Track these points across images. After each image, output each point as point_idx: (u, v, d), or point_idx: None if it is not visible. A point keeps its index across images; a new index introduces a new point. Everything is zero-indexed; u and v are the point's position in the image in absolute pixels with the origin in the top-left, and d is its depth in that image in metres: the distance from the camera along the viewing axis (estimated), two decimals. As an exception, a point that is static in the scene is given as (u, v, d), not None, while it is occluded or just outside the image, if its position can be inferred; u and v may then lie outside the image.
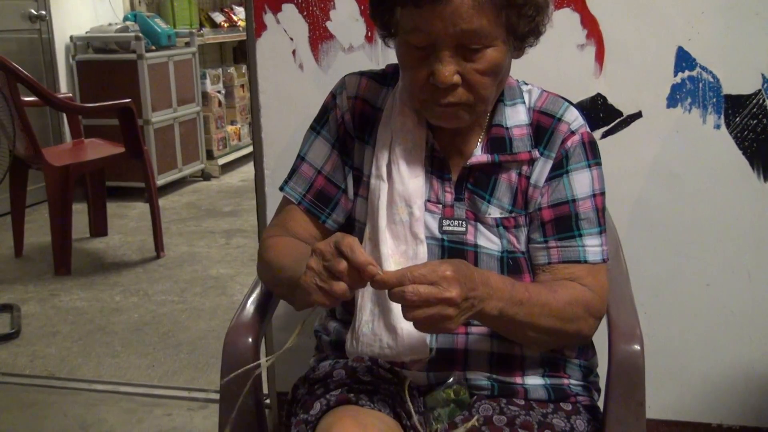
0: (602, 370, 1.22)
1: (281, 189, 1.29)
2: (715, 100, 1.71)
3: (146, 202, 3.97)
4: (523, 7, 1.06)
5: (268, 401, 2.03)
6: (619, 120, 1.76)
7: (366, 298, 1.18)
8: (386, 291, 1.14)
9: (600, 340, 1.25)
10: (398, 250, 1.16)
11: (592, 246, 1.17)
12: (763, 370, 1.83)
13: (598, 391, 1.27)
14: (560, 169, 1.17)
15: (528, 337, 1.11)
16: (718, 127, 1.73)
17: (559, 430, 1.12)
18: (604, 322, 1.23)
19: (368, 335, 1.16)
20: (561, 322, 1.11)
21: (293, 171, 1.28)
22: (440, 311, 0.97)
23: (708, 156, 1.74)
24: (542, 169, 1.18)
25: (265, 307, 1.31)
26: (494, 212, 1.18)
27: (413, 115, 1.19)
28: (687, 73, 1.71)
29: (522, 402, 1.16)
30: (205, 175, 5.35)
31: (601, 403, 1.22)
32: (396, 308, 1.15)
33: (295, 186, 1.27)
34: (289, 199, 1.28)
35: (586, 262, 1.16)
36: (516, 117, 1.19)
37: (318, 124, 1.28)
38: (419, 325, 0.99)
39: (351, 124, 1.24)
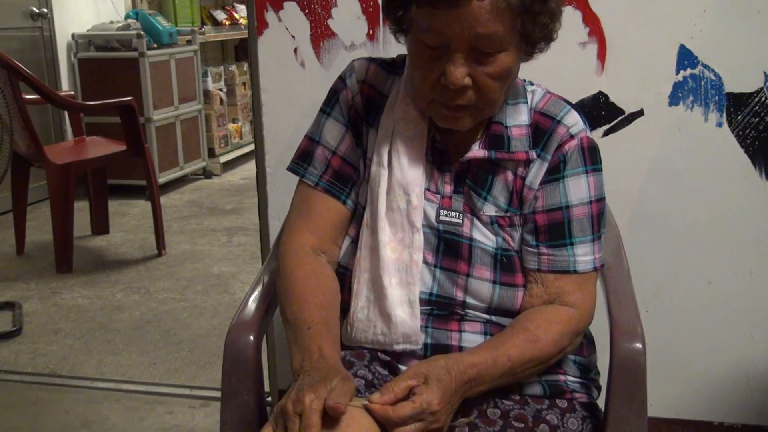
0: (603, 368, 1.22)
1: (302, 176, 1.25)
2: (717, 98, 1.71)
3: (148, 200, 3.97)
4: (539, 15, 1.06)
5: (269, 399, 2.04)
6: (620, 118, 1.76)
7: (362, 284, 1.19)
8: (383, 277, 1.15)
9: (601, 338, 1.25)
10: (395, 237, 1.18)
11: (583, 255, 1.17)
12: (764, 369, 1.83)
13: (598, 388, 1.27)
14: (557, 173, 1.17)
15: (517, 381, 1.16)
16: (720, 125, 1.73)
17: (552, 426, 1.13)
18: (605, 320, 1.23)
19: (363, 321, 1.18)
20: (547, 361, 1.14)
21: (308, 157, 1.25)
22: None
23: (710, 154, 1.74)
24: (538, 171, 1.17)
25: (266, 305, 1.31)
26: (489, 210, 1.18)
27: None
28: (689, 70, 1.71)
29: (517, 397, 1.17)
30: (207, 173, 5.35)
31: (602, 402, 1.22)
32: (391, 296, 1.15)
33: (312, 170, 1.25)
34: (306, 187, 1.25)
35: (575, 272, 1.16)
36: (517, 117, 1.19)
37: (327, 107, 1.27)
38: None
39: (361, 107, 1.24)
